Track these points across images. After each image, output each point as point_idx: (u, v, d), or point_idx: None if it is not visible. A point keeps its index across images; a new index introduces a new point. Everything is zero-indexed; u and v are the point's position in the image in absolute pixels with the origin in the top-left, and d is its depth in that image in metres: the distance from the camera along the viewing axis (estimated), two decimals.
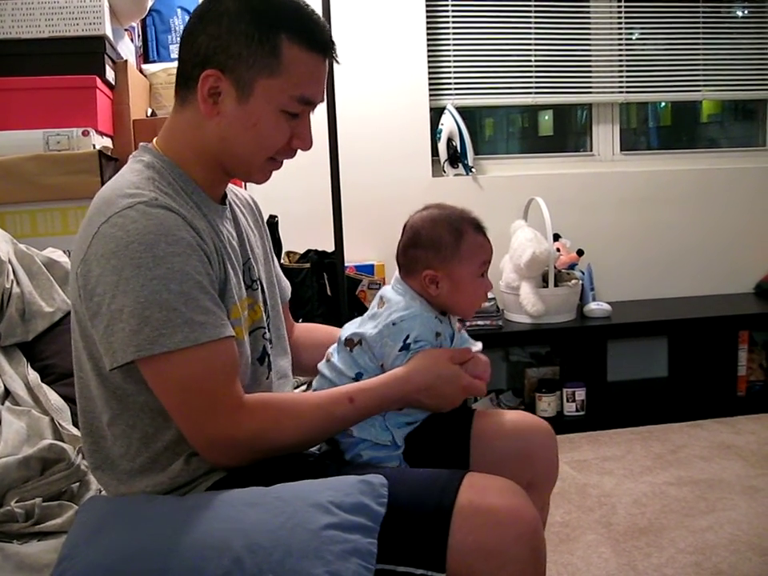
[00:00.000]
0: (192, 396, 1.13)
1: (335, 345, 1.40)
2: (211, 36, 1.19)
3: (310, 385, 1.97)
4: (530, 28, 3.74)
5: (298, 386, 1.97)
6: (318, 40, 1.22)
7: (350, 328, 1.39)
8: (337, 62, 1.29)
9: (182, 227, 1.14)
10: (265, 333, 1.35)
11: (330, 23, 2.64)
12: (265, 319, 1.36)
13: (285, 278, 1.62)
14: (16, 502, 1.42)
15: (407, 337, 1.30)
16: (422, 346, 1.31)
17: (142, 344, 1.09)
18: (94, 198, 1.20)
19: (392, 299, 1.36)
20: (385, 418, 1.32)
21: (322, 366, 1.41)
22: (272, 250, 1.55)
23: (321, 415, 1.22)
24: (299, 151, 1.30)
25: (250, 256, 1.36)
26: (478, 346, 1.43)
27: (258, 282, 1.36)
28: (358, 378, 1.33)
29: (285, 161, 1.30)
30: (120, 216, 1.11)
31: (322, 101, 1.29)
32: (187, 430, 1.14)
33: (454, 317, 1.42)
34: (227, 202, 1.35)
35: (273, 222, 2.89)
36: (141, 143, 1.29)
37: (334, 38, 1.26)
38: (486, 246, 1.41)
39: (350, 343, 1.36)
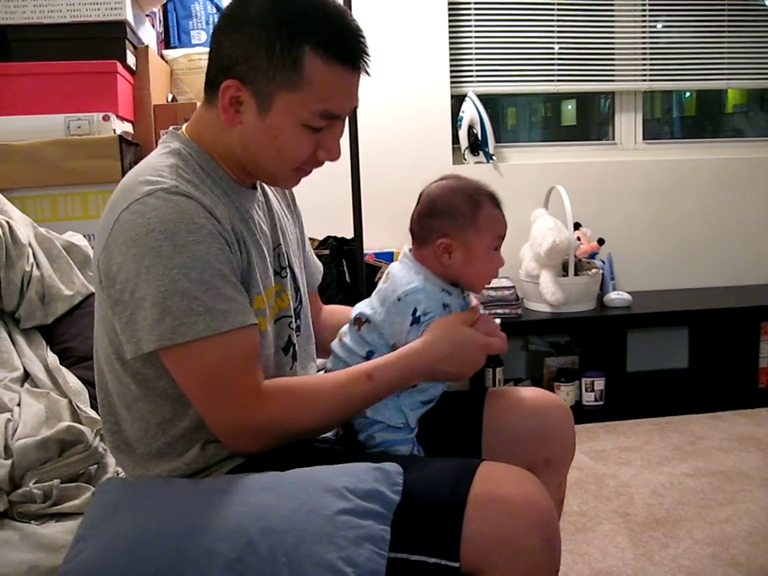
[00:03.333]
0: (212, 384, 1.13)
1: (347, 325, 1.40)
2: (234, 43, 1.15)
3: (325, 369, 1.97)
4: (552, 15, 3.71)
5: (319, 370, 1.97)
6: (346, 52, 1.16)
7: (359, 307, 1.38)
8: (368, 74, 1.22)
9: (202, 214, 1.13)
10: (291, 322, 1.34)
11: (350, 9, 2.63)
12: (293, 307, 1.36)
13: (318, 263, 1.61)
14: (34, 483, 1.43)
15: (415, 310, 1.29)
16: (431, 317, 1.29)
17: (164, 333, 1.09)
18: (118, 185, 1.20)
19: (396, 274, 1.35)
20: (399, 399, 1.31)
21: (335, 345, 1.40)
22: (305, 235, 1.55)
23: (339, 396, 1.21)
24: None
25: (281, 242, 1.35)
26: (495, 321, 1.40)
27: (288, 270, 1.36)
28: (369, 356, 1.32)
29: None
30: (141, 203, 1.11)
31: (352, 111, 1.25)
32: (207, 417, 1.15)
33: (464, 291, 1.40)
34: (258, 186, 1.34)
35: None
36: (171, 127, 1.28)
37: (367, 48, 1.19)
38: (502, 221, 1.39)
39: (357, 322, 1.35)
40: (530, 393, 1.49)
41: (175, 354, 1.12)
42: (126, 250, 1.11)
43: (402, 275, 1.34)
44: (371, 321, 1.33)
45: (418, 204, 1.40)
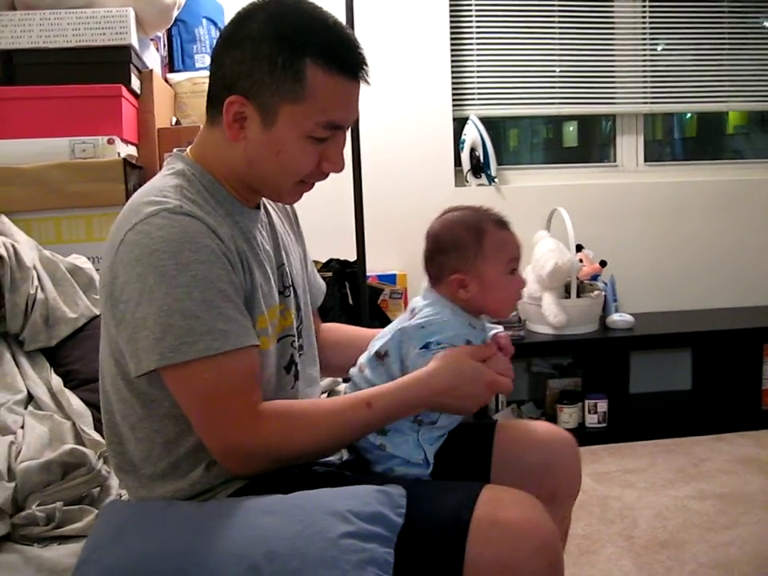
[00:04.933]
0: (210, 404, 1.13)
1: (366, 354, 1.37)
2: (235, 60, 1.18)
3: (329, 393, 1.98)
4: (553, 38, 3.74)
5: (323, 391, 1.96)
6: (346, 63, 1.18)
7: (378, 342, 1.36)
8: (367, 83, 1.23)
9: (206, 234, 1.14)
10: (294, 341, 1.35)
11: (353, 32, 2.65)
12: (296, 326, 1.36)
13: (321, 282, 1.61)
14: (37, 506, 1.43)
15: (431, 339, 1.28)
16: (442, 347, 1.27)
17: (164, 352, 1.10)
18: (124, 207, 1.21)
19: (423, 308, 1.33)
20: (419, 434, 1.30)
21: (355, 375, 1.38)
22: (308, 255, 1.55)
23: (337, 422, 1.20)
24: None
25: (284, 261, 1.36)
26: (498, 328, 1.38)
27: (291, 289, 1.36)
28: None
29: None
30: (145, 223, 1.12)
31: (354, 123, 1.26)
32: (204, 436, 1.15)
33: (485, 322, 1.38)
34: (261, 206, 1.35)
35: None
36: (175, 149, 1.30)
37: (366, 59, 1.21)
38: (511, 241, 1.36)
39: (378, 355, 1.33)
40: (538, 426, 1.49)
41: (175, 373, 1.12)
42: (131, 270, 1.12)
43: (428, 309, 1.32)
44: (389, 352, 1.32)
45: (425, 243, 1.39)
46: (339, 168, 1.25)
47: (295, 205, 1.46)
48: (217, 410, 1.13)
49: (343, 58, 1.18)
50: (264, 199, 1.36)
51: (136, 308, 1.11)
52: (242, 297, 1.19)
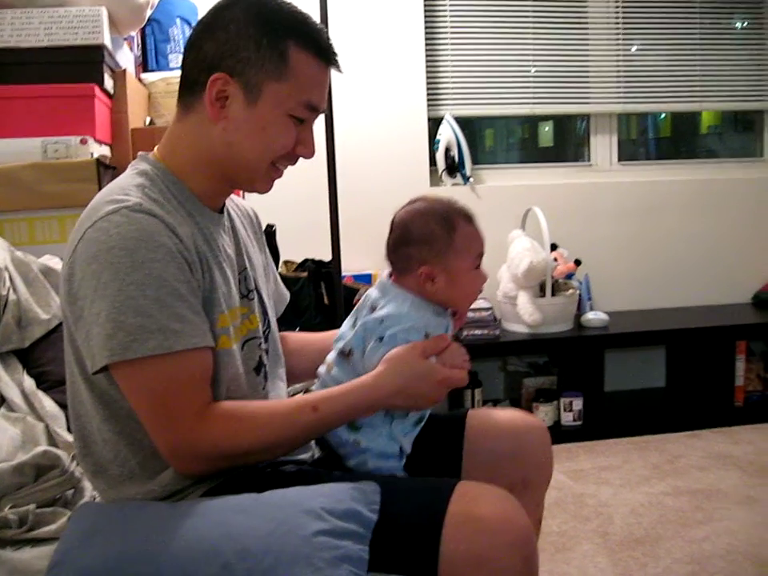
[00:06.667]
0: (158, 403, 1.13)
1: (334, 353, 1.37)
2: (219, 42, 1.20)
3: (306, 392, 1.97)
4: (528, 38, 3.76)
5: (294, 394, 1.96)
6: (323, 48, 1.23)
7: (344, 336, 1.36)
8: (339, 71, 1.28)
9: (164, 233, 1.14)
10: (261, 343, 1.35)
11: (327, 29, 2.65)
12: (262, 330, 1.36)
13: (285, 292, 1.62)
14: (10, 508, 1.42)
15: (386, 332, 1.27)
16: (395, 338, 1.26)
17: (115, 348, 1.09)
18: (87, 206, 1.21)
19: (385, 306, 1.32)
20: (391, 426, 1.29)
21: (323, 374, 1.38)
22: (272, 263, 1.55)
23: (282, 424, 1.19)
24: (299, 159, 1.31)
25: (247, 266, 1.36)
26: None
27: (255, 292, 1.36)
28: None
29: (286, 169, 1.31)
30: (105, 220, 1.12)
31: (324, 109, 1.30)
32: (152, 435, 1.15)
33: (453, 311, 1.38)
34: (225, 212, 1.35)
35: (271, 231, 2.88)
36: (140, 152, 1.30)
37: (336, 49, 1.26)
38: (479, 237, 1.37)
39: (343, 354, 1.34)
40: (507, 414, 1.50)
41: (126, 371, 1.12)
42: (87, 267, 1.12)
43: (392, 304, 1.32)
44: (353, 350, 1.32)
45: (391, 232, 1.38)
46: (311, 151, 1.29)
47: (271, 205, 1.46)
48: (164, 408, 1.13)
49: (319, 44, 1.23)
50: (228, 205, 1.37)
51: (91, 305, 1.11)
52: (199, 297, 1.19)
